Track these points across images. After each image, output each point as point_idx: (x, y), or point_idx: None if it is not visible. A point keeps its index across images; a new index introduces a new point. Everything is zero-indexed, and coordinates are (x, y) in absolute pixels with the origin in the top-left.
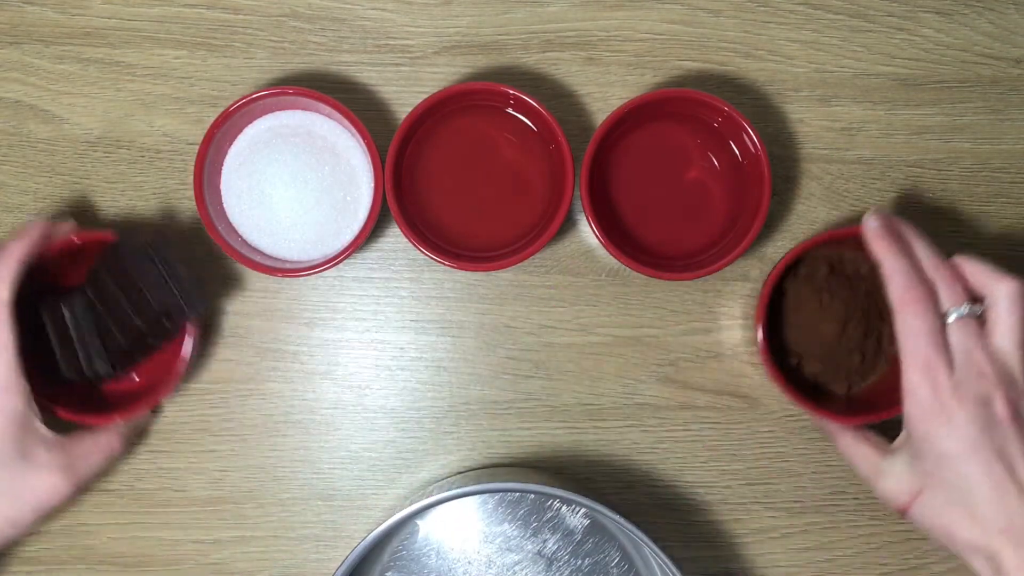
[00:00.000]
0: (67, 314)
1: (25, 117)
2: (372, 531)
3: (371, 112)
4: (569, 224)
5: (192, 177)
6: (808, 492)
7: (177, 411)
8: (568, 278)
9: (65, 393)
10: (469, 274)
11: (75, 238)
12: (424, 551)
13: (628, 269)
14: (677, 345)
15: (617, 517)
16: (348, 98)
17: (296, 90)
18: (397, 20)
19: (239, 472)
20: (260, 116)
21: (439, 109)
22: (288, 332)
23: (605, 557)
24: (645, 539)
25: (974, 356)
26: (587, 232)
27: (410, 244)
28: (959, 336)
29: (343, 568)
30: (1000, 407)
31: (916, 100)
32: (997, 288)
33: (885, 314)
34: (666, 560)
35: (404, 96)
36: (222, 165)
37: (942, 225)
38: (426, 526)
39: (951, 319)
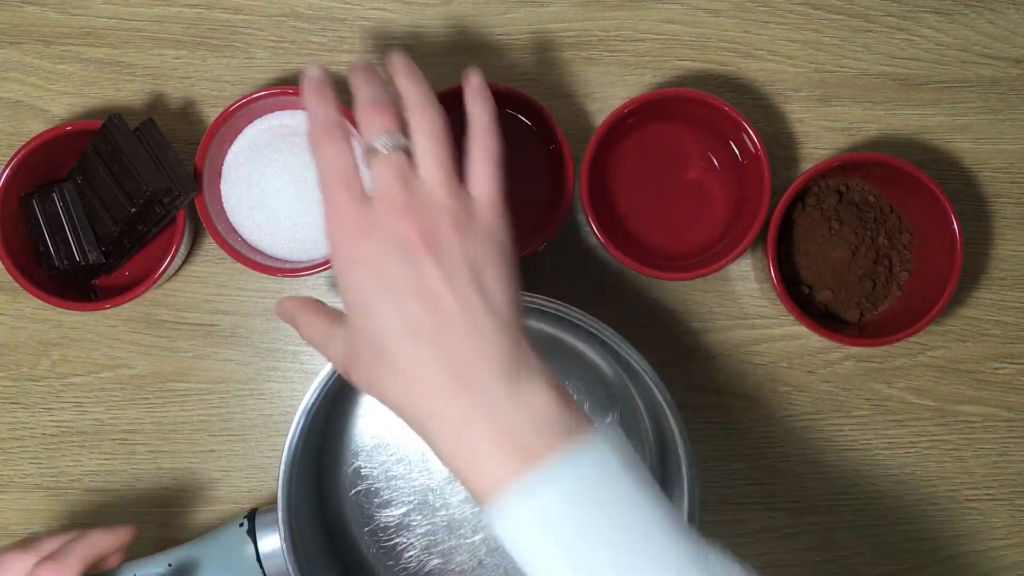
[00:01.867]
0: (58, 202)
1: (25, 117)
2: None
3: None
4: (569, 224)
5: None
6: (808, 492)
7: (177, 411)
8: (567, 278)
9: (59, 284)
10: None
11: (68, 126)
12: None
13: (628, 269)
14: (677, 345)
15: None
16: (348, 98)
17: (296, 90)
18: (397, 20)
19: (239, 472)
20: (260, 116)
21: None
22: (288, 332)
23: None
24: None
25: (392, 191)
26: (587, 232)
27: None
28: (378, 170)
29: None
30: (415, 237)
31: (916, 100)
32: (420, 118)
33: (895, 241)
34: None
35: None
36: (222, 165)
37: None
38: None
39: (373, 151)
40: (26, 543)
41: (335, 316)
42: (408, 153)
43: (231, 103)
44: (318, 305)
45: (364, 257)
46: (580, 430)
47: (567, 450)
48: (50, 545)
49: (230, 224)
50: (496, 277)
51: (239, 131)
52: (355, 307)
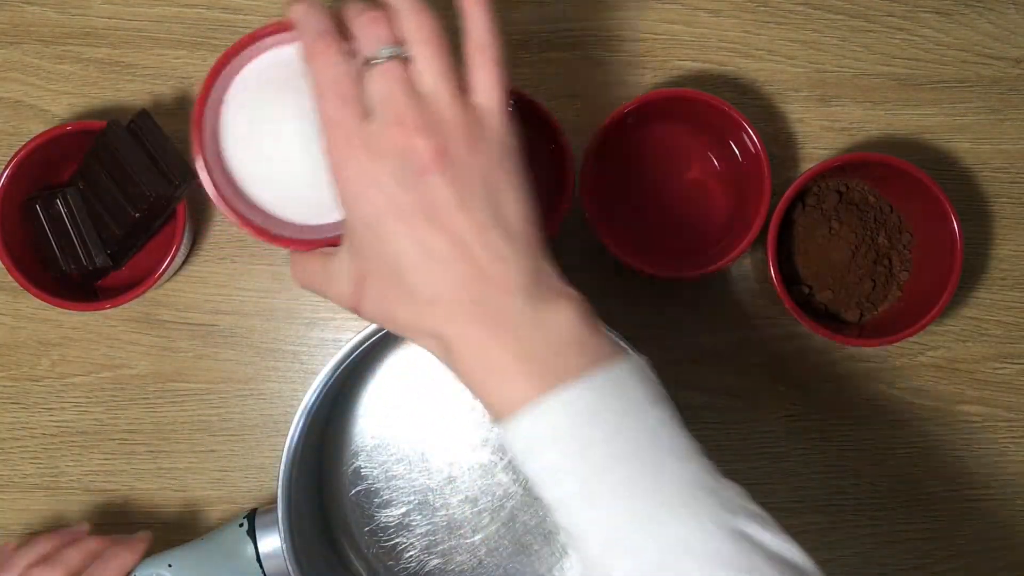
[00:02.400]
0: (62, 207)
1: (25, 117)
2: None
3: None
4: (569, 224)
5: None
6: (808, 492)
7: (177, 411)
8: (568, 277)
9: (65, 287)
10: None
11: (68, 126)
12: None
13: (628, 269)
14: (677, 344)
15: None
16: None
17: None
18: None
19: (239, 472)
20: (266, 51)
21: None
22: (288, 332)
23: None
24: None
25: (394, 103)
26: (587, 232)
27: None
28: (378, 83)
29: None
30: (424, 155)
31: (916, 100)
32: (417, 25)
33: (895, 241)
34: None
35: None
36: (221, 104)
37: None
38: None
39: (370, 65)
40: (51, 558)
41: (327, 253)
42: (408, 63)
43: (235, 41)
44: (317, 252)
45: (371, 179)
46: (604, 356)
47: (587, 374)
48: (73, 559)
49: (229, 177)
50: (511, 195)
51: (239, 68)
52: (364, 233)
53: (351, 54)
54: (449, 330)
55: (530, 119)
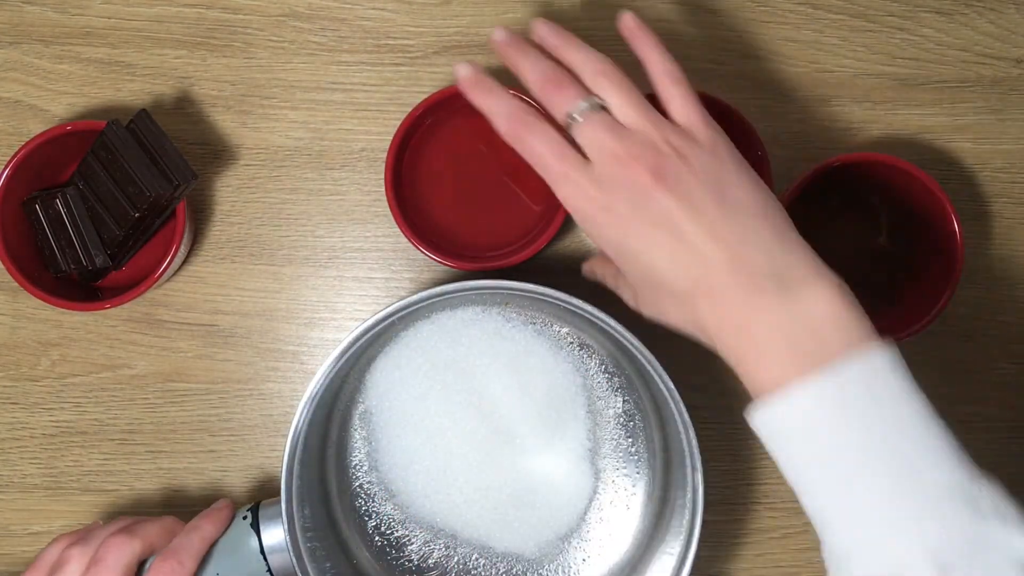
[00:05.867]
0: (62, 207)
1: (25, 117)
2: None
3: (370, 112)
4: (569, 224)
5: None
6: None
7: (177, 411)
8: (567, 278)
9: (65, 287)
10: (470, 274)
11: (68, 126)
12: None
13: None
14: (678, 345)
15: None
16: (347, 98)
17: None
18: (397, 20)
19: (239, 472)
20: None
21: (439, 109)
22: (288, 332)
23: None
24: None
25: (608, 146)
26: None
27: (410, 244)
28: (587, 134)
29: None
30: (643, 178)
31: (917, 100)
32: (601, 73)
33: (895, 241)
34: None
35: (404, 96)
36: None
37: None
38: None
39: (573, 123)
40: (131, 529)
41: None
42: (605, 109)
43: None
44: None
45: (609, 214)
46: (860, 342)
47: (844, 361)
48: (153, 532)
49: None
50: (740, 188)
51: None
52: (620, 257)
53: (550, 120)
54: (709, 319)
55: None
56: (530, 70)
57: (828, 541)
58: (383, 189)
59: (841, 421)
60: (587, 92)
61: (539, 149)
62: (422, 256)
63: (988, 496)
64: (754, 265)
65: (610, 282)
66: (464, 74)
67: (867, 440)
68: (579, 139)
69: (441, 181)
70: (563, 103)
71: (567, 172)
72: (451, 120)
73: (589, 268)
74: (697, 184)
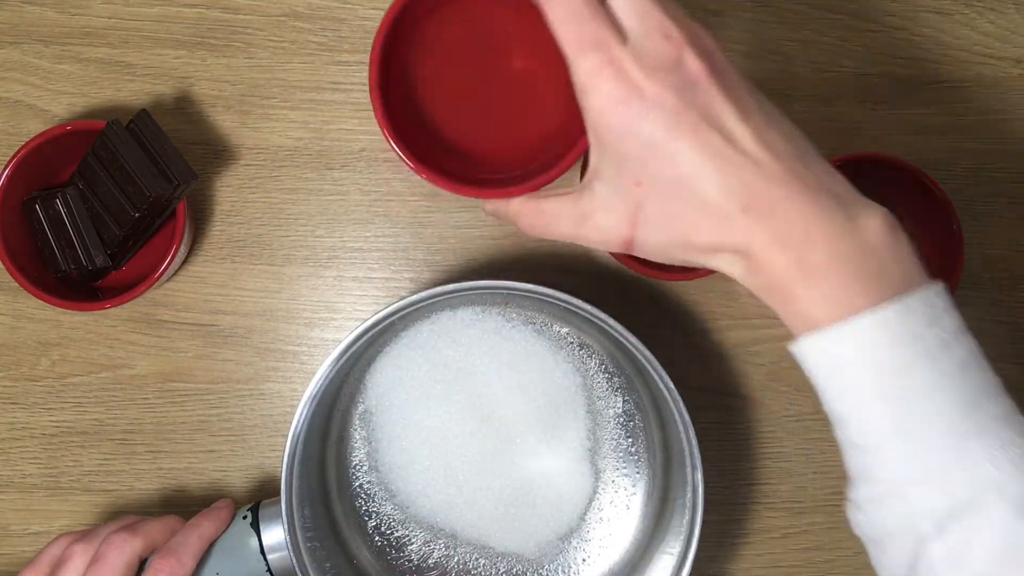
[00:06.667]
0: (61, 207)
1: (24, 116)
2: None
3: (370, 112)
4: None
5: None
6: (808, 492)
7: (176, 411)
8: (567, 278)
9: (65, 287)
10: (470, 274)
11: (68, 126)
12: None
13: (627, 268)
14: (678, 344)
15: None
16: (347, 98)
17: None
18: None
19: (239, 472)
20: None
21: None
22: (288, 332)
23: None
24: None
25: (651, 16)
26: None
27: (410, 244)
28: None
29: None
30: (693, 65)
31: (916, 100)
32: None
33: None
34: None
35: None
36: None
37: None
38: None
39: None
40: (133, 527)
41: (568, 193)
42: None
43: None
44: (552, 195)
45: (647, 104)
46: (916, 273)
47: (904, 293)
48: (155, 530)
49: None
50: (775, 108)
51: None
52: (641, 155)
53: None
54: (756, 239)
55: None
56: None
57: (877, 475)
58: (383, 188)
59: (907, 353)
60: None
61: (572, 2)
62: (422, 256)
63: None
64: (810, 180)
65: (567, 221)
66: None
67: (932, 374)
68: (616, 4)
69: (437, 85)
70: None
71: (603, 39)
72: (449, 7)
73: (492, 208)
74: (744, 89)
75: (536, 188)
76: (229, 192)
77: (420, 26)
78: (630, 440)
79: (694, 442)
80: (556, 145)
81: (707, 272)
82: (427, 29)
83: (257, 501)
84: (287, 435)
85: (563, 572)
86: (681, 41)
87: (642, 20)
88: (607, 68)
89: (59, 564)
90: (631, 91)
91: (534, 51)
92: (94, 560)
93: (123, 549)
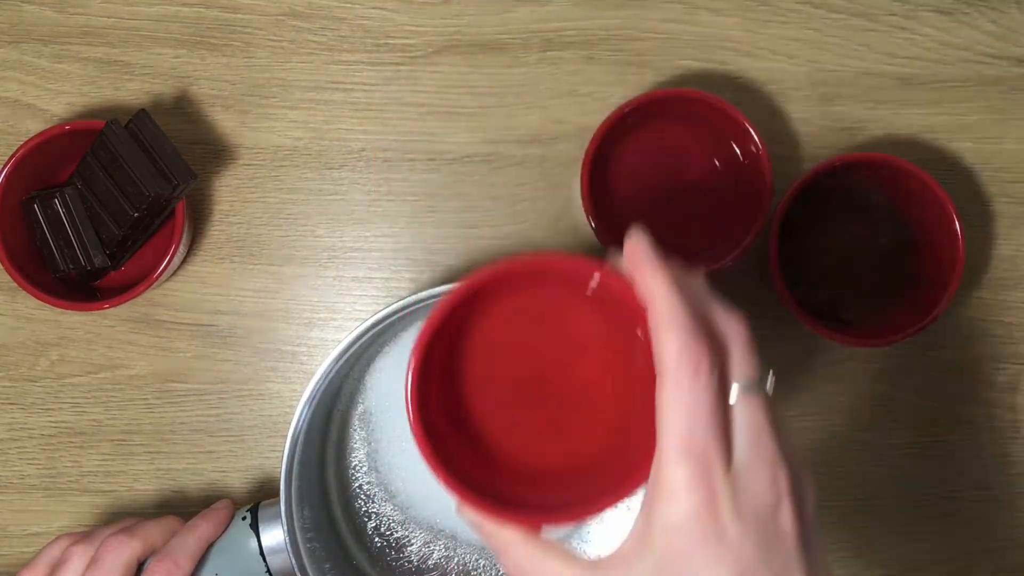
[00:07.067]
0: (60, 207)
1: (23, 116)
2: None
3: (370, 112)
4: (570, 225)
5: None
6: None
7: (175, 412)
8: None
9: (64, 287)
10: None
11: (67, 126)
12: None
13: None
14: None
15: None
16: (347, 98)
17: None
18: (397, 19)
19: (238, 473)
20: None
21: (506, 283)
22: (287, 332)
23: None
24: None
25: (765, 448)
26: (588, 233)
27: (410, 244)
28: (748, 417)
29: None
30: (786, 523)
31: (918, 100)
32: (744, 336)
33: (895, 241)
34: None
35: (404, 95)
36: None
37: None
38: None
39: (738, 394)
40: (131, 529)
41: (586, 564)
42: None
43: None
44: (546, 544)
45: (724, 547)
46: None
47: None
48: (154, 532)
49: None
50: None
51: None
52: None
53: (723, 378)
54: None
55: (616, 301)
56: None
57: None
58: (383, 188)
59: None
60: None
61: (698, 403)
62: (422, 255)
63: None
64: None
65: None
66: (642, 241)
67: None
68: (735, 417)
69: (481, 377)
70: (744, 362)
71: (711, 458)
72: (511, 298)
73: (473, 520)
74: (817, 543)
75: (560, 522)
76: (228, 192)
77: (477, 319)
78: None
79: None
80: (595, 476)
81: (708, 272)
82: (484, 323)
83: (256, 502)
84: (286, 436)
85: None
86: (784, 490)
87: (755, 446)
88: (701, 490)
89: (57, 565)
90: (714, 528)
91: (602, 364)
92: (92, 562)
93: (121, 552)
